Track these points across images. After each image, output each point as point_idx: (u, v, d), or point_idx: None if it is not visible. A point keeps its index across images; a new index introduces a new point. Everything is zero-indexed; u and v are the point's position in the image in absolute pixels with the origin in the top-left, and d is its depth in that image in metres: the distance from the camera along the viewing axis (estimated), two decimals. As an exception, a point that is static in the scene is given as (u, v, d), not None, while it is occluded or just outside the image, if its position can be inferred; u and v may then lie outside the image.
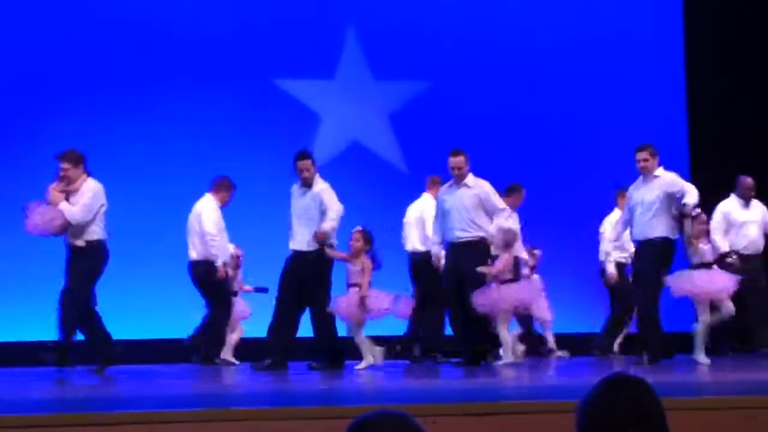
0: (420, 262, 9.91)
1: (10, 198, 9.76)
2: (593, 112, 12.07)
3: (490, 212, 9.09)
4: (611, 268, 10.48)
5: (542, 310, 10.38)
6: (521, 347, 9.60)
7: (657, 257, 8.79)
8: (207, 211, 9.55)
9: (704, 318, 8.72)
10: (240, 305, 9.96)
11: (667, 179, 9.07)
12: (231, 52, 11.41)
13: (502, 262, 8.99)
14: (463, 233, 9.04)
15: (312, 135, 11.53)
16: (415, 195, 10.35)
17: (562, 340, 10.81)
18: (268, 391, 6.89)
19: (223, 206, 9.68)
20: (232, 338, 9.87)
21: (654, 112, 12.16)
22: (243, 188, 9.97)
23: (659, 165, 9.09)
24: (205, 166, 10.89)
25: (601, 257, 10.59)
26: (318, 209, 8.96)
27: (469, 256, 8.92)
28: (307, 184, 9.04)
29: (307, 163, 9.05)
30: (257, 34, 11.51)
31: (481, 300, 8.79)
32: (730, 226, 10.49)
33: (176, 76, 11.28)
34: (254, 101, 11.40)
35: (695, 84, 12.20)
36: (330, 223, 8.90)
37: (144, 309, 10.61)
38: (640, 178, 9.18)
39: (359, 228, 8.85)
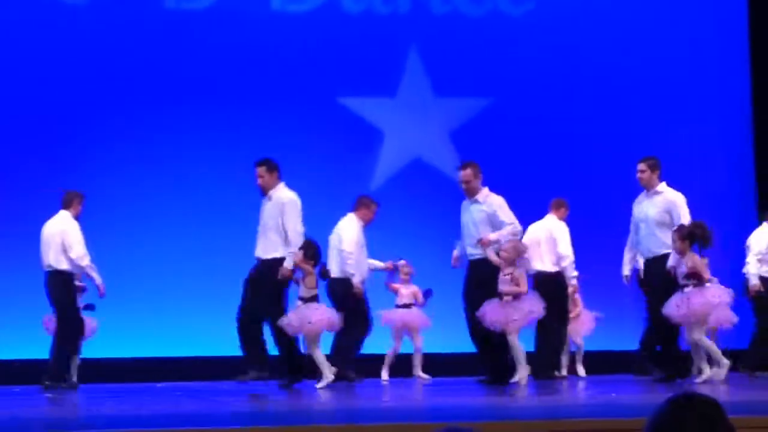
0: (546, 282, 9.79)
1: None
2: (657, 127, 11.97)
3: (498, 228, 8.86)
4: (755, 280, 10.14)
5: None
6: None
7: (667, 272, 8.64)
8: (347, 229, 9.80)
9: (697, 336, 8.41)
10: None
11: (670, 198, 8.95)
12: (296, 71, 11.53)
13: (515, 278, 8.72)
14: (473, 250, 8.93)
15: (375, 151, 11.62)
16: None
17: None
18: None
19: (367, 224, 9.88)
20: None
21: (719, 127, 12.06)
22: (307, 204, 10.03)
23: (661, 180, 9.03)
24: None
25: (752, 270, 10.17)
26: (278, 218, 8.85)
27: (478, 274, 8.84)
28: (262, 192, 9.00)
29: (260, 170, 9.00)
30: (321, 53, 11.62)
31: (490, 317, 8.61)
32: None
33: (242, 95, 11.42)
34: (319, 119, 11.50)
35: (762, 98, 12.06)
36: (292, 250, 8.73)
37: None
38: (643, 192, 9.12)
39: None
